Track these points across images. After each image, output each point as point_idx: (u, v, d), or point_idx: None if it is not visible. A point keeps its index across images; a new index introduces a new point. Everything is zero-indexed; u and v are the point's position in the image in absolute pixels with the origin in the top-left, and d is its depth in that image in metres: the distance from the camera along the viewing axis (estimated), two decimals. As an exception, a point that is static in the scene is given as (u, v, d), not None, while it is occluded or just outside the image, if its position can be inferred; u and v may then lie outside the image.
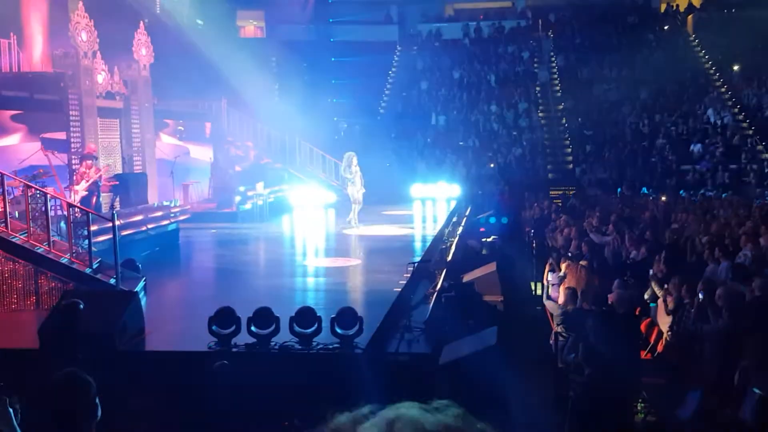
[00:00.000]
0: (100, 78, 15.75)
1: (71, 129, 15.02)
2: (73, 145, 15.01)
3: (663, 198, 19.66)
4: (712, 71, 30.35)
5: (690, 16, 33.53)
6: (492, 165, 26.20)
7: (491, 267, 11.22)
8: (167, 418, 6.39)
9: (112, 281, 9.03)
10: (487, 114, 29.18)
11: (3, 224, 9.00)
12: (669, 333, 8.18)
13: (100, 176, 13.49)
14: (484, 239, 15.45)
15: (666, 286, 8.84)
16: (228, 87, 21.46)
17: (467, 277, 11.05)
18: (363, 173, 16.14)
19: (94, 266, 9.21)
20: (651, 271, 9.75)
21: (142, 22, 17.32)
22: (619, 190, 22.57)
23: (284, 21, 35.08)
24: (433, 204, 20.66)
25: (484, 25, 34.55)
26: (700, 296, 8.11)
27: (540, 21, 34.30)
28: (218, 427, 6.06)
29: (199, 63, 19.66)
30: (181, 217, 14.45)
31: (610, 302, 8.02)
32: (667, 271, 9.56)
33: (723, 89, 29.20)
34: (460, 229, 16.91)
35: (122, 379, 6.17)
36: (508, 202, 21.20)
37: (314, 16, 34.63)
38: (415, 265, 10.78)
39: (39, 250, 9.05)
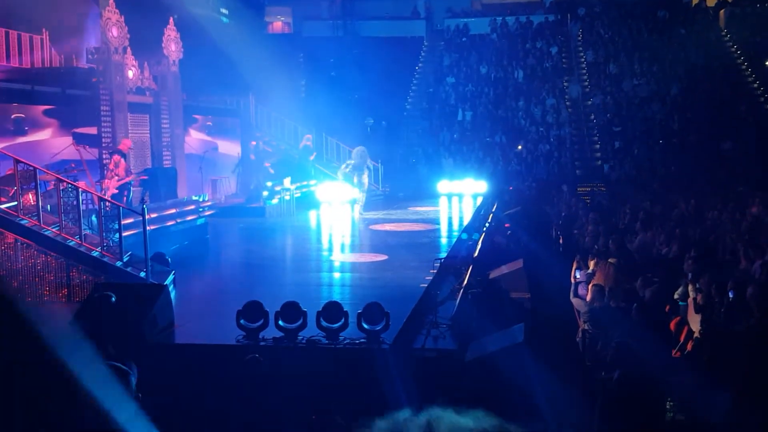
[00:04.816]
0: (131, 73, 15.94)
1: (102, 124, 15.23)
2: (104, 140, 15.22)
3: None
4: (744, 66, 29.85)
5: (722, 11, 32.98)
6: (519, 148, 26.16)
7: (518, 264, 11.16)
8: (195, 410, 6.46)
9: (142, 274, 9.14)
10: (514, 110, 29.00)
11: (35, 217, 9.15)
12: (699, 332, 8.09)
13: (131, 179, 13.66)
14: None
15: (696, 284, 8.74)
16: (256, 83, 21.57)
17: (494, 274, 10.99)
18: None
19: (125, 259, 9.34)
20: (690, 274, 9.61)
21: (171, 18, 17.48)
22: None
23: (311, 17, 35.18)
24: (459, 200, 20.61)
25: (512, 20, 34.30)
26: (731, 295, 8.02)
27: (569, 16, 33.98)
28: (245, 420, 6.11)
29: (228, 59, 19.77)
30: (210, 212, 14.57)
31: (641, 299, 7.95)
32: (696, 269, 9.45)
33: (755, 85, 28.72)
34: (487, 225, 16.85)
35: (152, 372, 6.25)
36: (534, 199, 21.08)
37: (341, 12, 34.66)
38: (442, 261, 10.77)
39: (71, 243, 9.18)
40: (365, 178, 17.67)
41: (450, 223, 17.05)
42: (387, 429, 0.92)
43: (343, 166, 18.05)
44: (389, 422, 0.96)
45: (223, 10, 25.01)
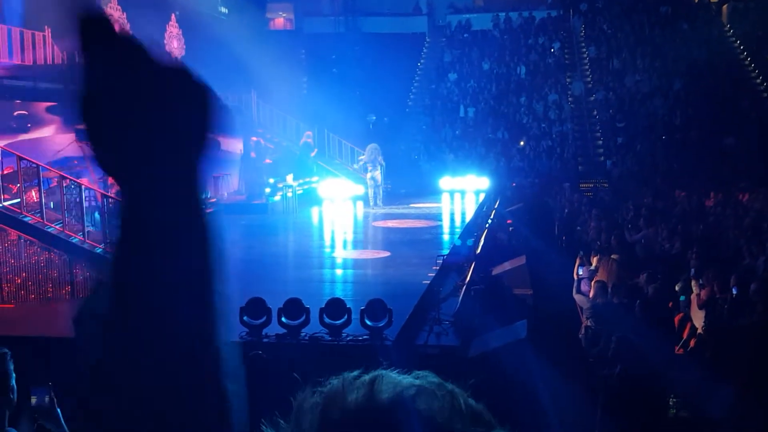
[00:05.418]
0: (133, 70, 15.93)
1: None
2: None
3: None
4: (747, 62, 29.78)
5: (724, 6, 32.89)
6: (521, 144, 26.18)
7: (521, 260, 11.17)
8: (198, 407, 6.46)
9: (145, 271, 9.14)
10: (516, 106, 28.96)
11: (39, 215, 9.16)
12: (702, 328, 8.09)
13: None
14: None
15: (700, 280, 8.73)
16: (257, 79, 21.57)
17: (497, 270, 11.01)
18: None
19: (128, 256, 9.33)
20: (693, 270, 9.60)
21: (173, 15, 17.49)
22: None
23: (313, 13, 35.12)
24: (462, 196, 20.58)
25: (514, 16, 34.21)
26: (734, 291, 8.01)
27: (571, 11, 33.89)
28: (247, 417, 6.11)
29: (230, 55, 19.78)
30: (212, 209, 14.55)
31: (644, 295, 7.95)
32: (700, 265, 9.44)
33: (758, 80, 28.65)
34: (489, 221, 16.85)
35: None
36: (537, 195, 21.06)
37: (343, 8, 34.61)
38: (444, 257, 10.78)
39: (74, 240, 9.20)
40: (378, 174, 18.18)
41: (452, 220, 17.05)
42: (338, 385, 0.96)
43: (368, 176, 18.54)
44: (340, 379, 1.00)
45: (223, 9, 25.00)
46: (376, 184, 18.32)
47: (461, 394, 0.87)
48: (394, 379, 0.88)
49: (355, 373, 0.90)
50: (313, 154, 21.08)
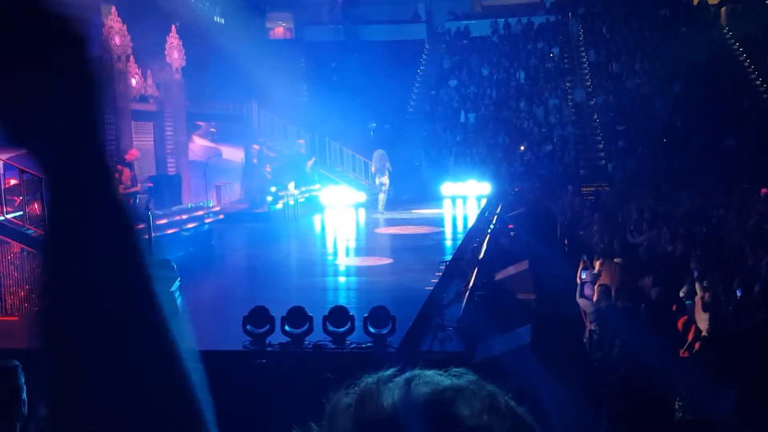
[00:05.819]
0: (134, 81, 15.98)
1: (106, 132, 15.26)
2: (108, 148, 15.24)
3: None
4: (746, 63, 29.80)
5: (723, 8, 32.94)
6: (522, 149, 26.28)
7: (524, 265, 11.15)
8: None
9: (148, 282, 9.14)
10: (516, 111, 28.99)
11: (42, 227, 9.18)
12: (707, 330, 8.07)
13: (137, 189, 13.64)
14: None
15: (704, 282, 8.72)
16: (258, 88, 21.61)
17: (500, 275, 11.00)
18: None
19: (130, 267, 9.34)
20: (696, 273, 9.60)
21: (173, 26, 17.53)
22: None
23: (313, 22, 35.21)
24: (463, 202, 20.59)
25: (513, 22, 34.27)
26: (738, 293, 8.00)
27: (569, 15, 33.95)
28: (252, 426, 6.10)
29: (230, 65, 19.84)
30: (215, 218, 14.59)
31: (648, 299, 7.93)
32: (703, 268, 9.43)
33: (758, 81, 28.66)
34: (491, 227, 16.84)
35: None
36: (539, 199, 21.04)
37: (342, 17, 34.69)
38: (447, 263, 10.78)
39: (77, 252, 9.21)
40: (386, 179, 18.53)
41: (454, 226, 17.05)
42: (372, 385, 0.96)
43: (377, 182, 18.94)
44: (375, 378, 1.00)
45: (222, 19, 25.05)
46: (384, 190, 18.65)
47: (502, 395, 0.85)
48: (432, 379, 0.85)
49: (390, 371, 0.88)
50: (310, 164, 21.07)
